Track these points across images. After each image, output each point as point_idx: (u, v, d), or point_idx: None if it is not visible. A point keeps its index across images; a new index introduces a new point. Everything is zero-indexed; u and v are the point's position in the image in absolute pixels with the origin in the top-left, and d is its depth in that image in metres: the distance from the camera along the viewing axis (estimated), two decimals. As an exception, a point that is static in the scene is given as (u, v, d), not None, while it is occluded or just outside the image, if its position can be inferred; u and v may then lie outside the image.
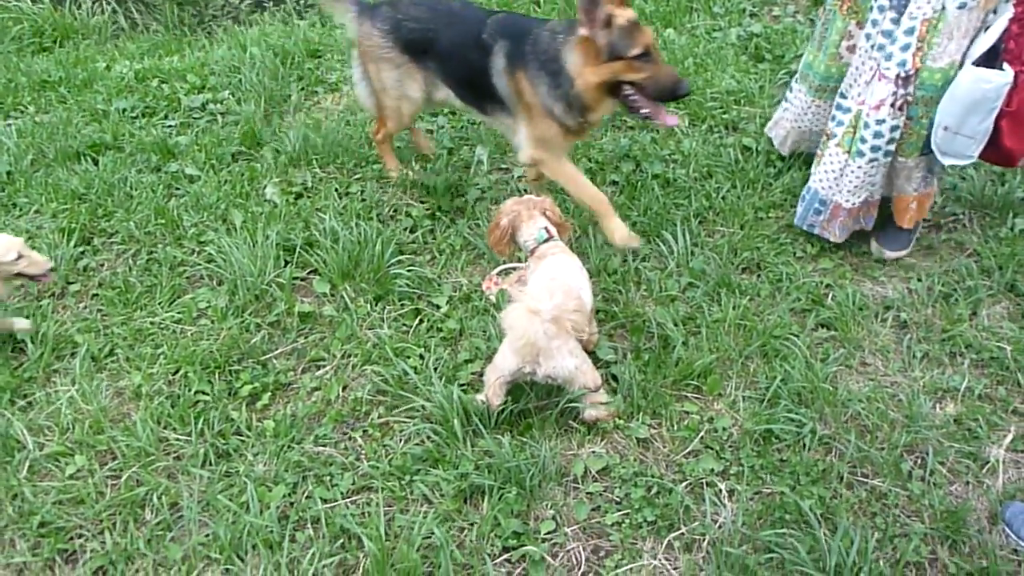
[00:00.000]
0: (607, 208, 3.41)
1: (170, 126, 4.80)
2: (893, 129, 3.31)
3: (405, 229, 3.83)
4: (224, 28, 6.55)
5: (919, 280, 3.49)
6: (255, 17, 6.66)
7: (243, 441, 2.97)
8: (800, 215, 3.66)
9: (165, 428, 3.01)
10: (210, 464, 2.89)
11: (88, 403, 3.09)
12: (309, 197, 4.07)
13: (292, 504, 2.75)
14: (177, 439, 2.97)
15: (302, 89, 5.07)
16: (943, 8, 3.08)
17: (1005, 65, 3.05)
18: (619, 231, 3.40)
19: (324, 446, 2.95)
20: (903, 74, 3.19)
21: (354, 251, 3.59)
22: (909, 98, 3.24)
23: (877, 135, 3.32)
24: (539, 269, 3.02)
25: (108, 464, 2.90)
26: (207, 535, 2.66)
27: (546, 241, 3.10)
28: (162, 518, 2.72)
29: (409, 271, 3.54)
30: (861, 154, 3.38)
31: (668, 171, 4.08)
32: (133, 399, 3.14)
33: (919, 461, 2.84)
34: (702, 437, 2.93)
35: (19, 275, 3.24)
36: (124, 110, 4.93)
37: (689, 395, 3.08)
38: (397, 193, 4.07)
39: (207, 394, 3.12)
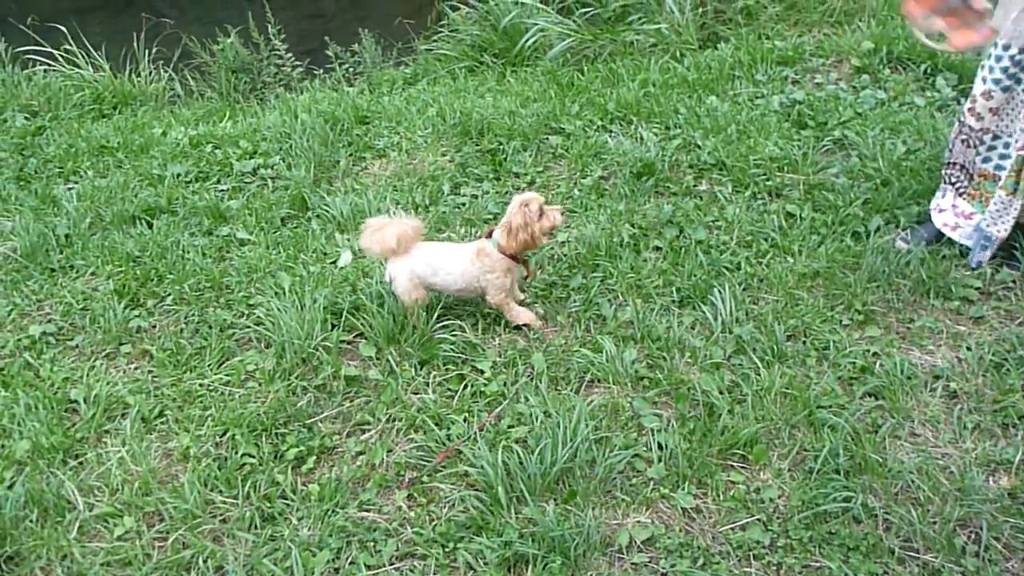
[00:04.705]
0: None
1: (222, 190, 4.93)
2: None
3: (450, 293, 3.87)
4: (276, 95, 6.75)
5: (969, 349, 3.43)
6: (306, 84, 6.86)
7: (288, 505, 2.98)
8: (974, 257, 3.81)
9: (212, 490, 3.04)
10: (255, 527, 2.91)
11: (137, 464, 3.14)
12: (355, 261, 4.14)
13: (336, 570, 2.76)
14: (223, 502, 3.00)
15: (350, 155, 5.18)
16: None
17: None
18: None
19: (368, 511, 2.96)
20: None
21: (400, 315, 3.63)
22: None
23: None
24: None
25: (155, 526, 2.94)
26: (251, 600, 2.67)
27: None
28: (207, 582, 2.74)
29: (454, 335, 3.57)
30: None
31: (711, 237, 4.10)
32: (181, 460, 3.19)
33: (973, 536, 2.77)
34: (749, 508, 2.89)
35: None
36: (179, 175, 5.08)
37: (735, 464, 3.05)
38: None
39: (253, 456, 3.15)
